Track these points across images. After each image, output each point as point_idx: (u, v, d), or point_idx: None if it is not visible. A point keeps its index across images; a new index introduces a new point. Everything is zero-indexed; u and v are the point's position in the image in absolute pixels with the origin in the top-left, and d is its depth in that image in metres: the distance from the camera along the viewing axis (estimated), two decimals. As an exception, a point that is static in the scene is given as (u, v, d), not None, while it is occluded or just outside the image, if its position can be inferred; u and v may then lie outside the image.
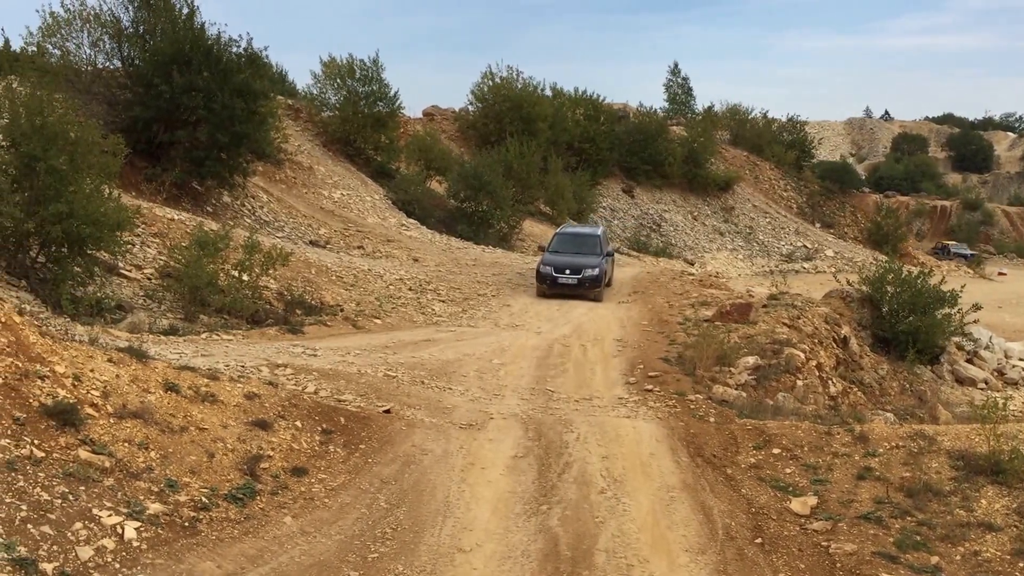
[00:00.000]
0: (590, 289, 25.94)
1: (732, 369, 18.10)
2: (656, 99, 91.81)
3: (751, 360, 18.48)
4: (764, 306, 22.58)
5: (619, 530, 10.56)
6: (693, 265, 44.98)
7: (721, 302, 23.25)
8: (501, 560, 9.80)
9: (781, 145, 67.95)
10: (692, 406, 15.61)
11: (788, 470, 12.41)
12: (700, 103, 71.14)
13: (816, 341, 20.47)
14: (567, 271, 26.08)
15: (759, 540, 10.62)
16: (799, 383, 18.30)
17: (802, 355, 19.08)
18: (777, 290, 25.21)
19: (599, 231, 29.20)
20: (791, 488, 11.91)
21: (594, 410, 15.46)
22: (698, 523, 10.94)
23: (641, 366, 18.44)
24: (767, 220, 60.33)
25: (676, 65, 68.44)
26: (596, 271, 26.18)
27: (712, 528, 10.82)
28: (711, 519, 11.05)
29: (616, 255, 43.66)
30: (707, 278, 30.26)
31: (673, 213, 56.87)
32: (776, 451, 12.89)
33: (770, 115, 71.93)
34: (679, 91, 68.83)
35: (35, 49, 29.35)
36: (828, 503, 11.49)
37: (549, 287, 26.11)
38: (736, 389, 17.16)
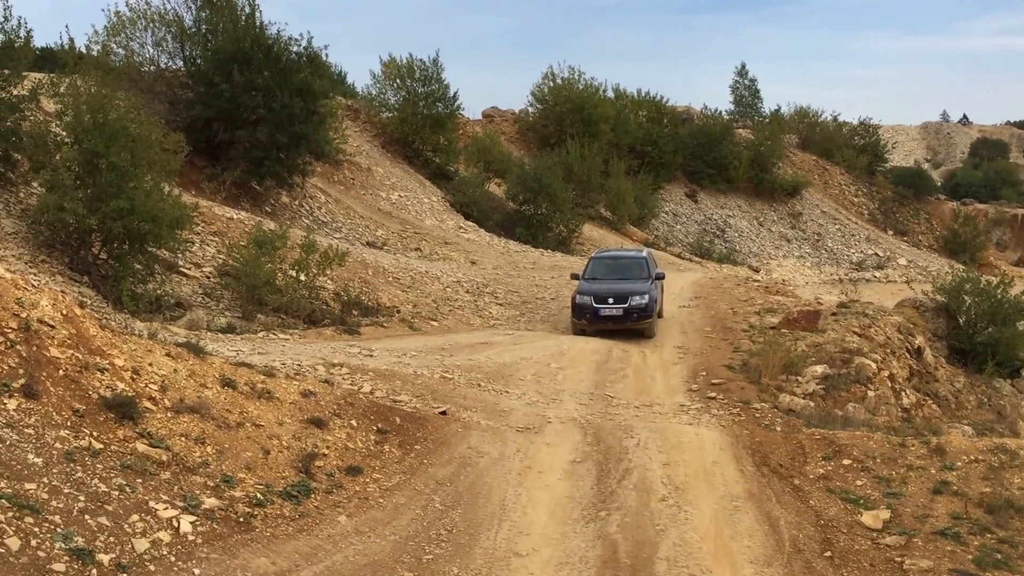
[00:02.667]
0: (639, 321, 21.41)
1: (799, 378, 17.61)
2: (721, 102, 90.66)
3: (819, 369, 17.96)
4: (833, 314, 21.96)
5: (681, 539, 10.23)
6: (758, 272, 44.13)
7: (788, 309, 22.68)
8: (558, 566, 9.54)
9: (852, 149, 66.20)
10: (757, 415, 15.19)
11: (859, 482, 11.95)
12: (767, 106, 69.45)
13: (888, 351, 19.83)
14: (610, 300, 21.49)
15: (828, 553, 10.22)
16: (870, 394, 17.72)
17: (874, 365, 18.49)
18: (847, 298, 24.46)
19: (644, 252, 24.76)
20: (862, 501, 11.46)
21: (655, 416, 15.11)
22: (763, 534, 10.56)
23: (704, 373, 18.03)
24: (836, 227, 59.06)
25: (743, 66, 67.29)
26: (645, 299, 21.47)
27: (778, 539, 10.44)
28: (777, 530, 10.66)
29: (678, 260, 43.09)
30: (773, 285, 29.55)
31: (738, 218, 55.96)
32: (846, 462, 12.42)
33: (841, 118, 70.30)
34: (746, 93, 67.44)
35: (100, 48, 29.72)
36: (902, 517, 11.02)
37: (590, 322, 21.64)
38: (803, 398, 16.67)
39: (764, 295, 26.15)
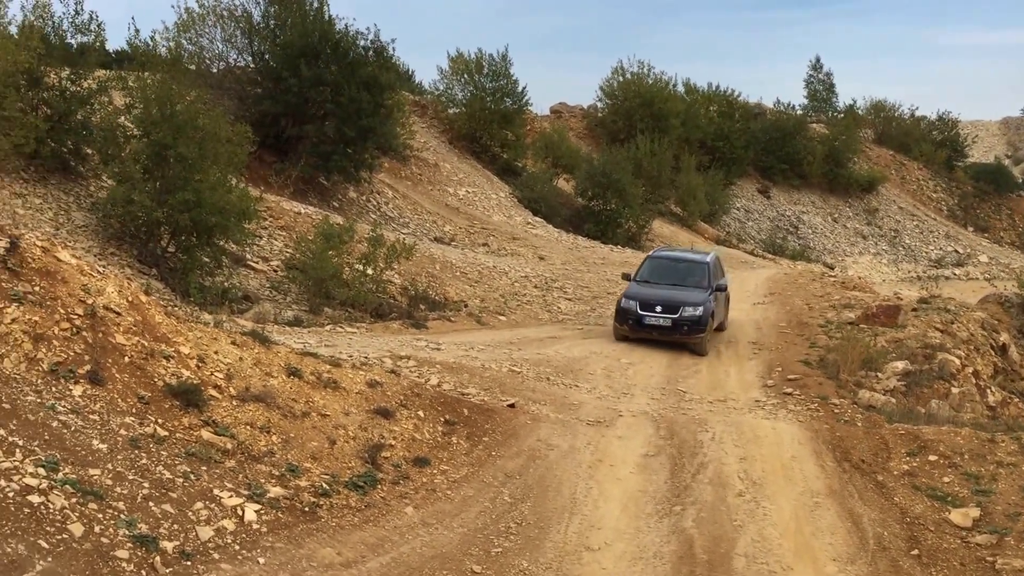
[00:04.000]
0: (689, 335, 18.86)
1: (879, 374, 16.98)
2: (795, 98, 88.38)
3: (900, 365, 17.30)
4: (913, 310, 21.18)
5: (759, 535, 9.81)
6: (833, 269, 43.00)
7: (866, 304, 21.95)
8: (632, 560, 9.19)
9: (930, 144, 64.38)
10: (836, 410, 14.62)
11: (946, 479, 11.36)
12: (842, 100, 67.51)
13: (972, 347, 19.03)
14: (658, 308, 18.93)
15: (915, 552, 9.71)
16: (954, 390, 16.99)
17: (957, 361, 17.74)
18: (928, 294, 23.60)
19: (708, 257, 21.44)
20: (950, 498, 10.88)
21: (729, 411, 14.65)
22: (846, 531, 10.08)
23: (779, 369, 17.50)
24: (914, 223, 57.41)
25: (817, 60, 65.18)
26: (699, 310, 18.90)
27: (862, 537, 9.95)
28: (860, 527, 10.17)
29: (750, 257, 42.19)
30: (850, 281, 28.69)
31: (812, 215, 54.67)
32: (932, 458, 11.83)
33: (918, 112, 68.27)
34: (820, 87, 65.73)
35: (171, 45, 30.07)
36: (992, 515, 10.44)
37: (632, 329, 19.22)
38: (884, 395, 16.06)
39: (840, 290, 25.42)
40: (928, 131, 66.60)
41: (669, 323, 18.88)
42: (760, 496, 10.78)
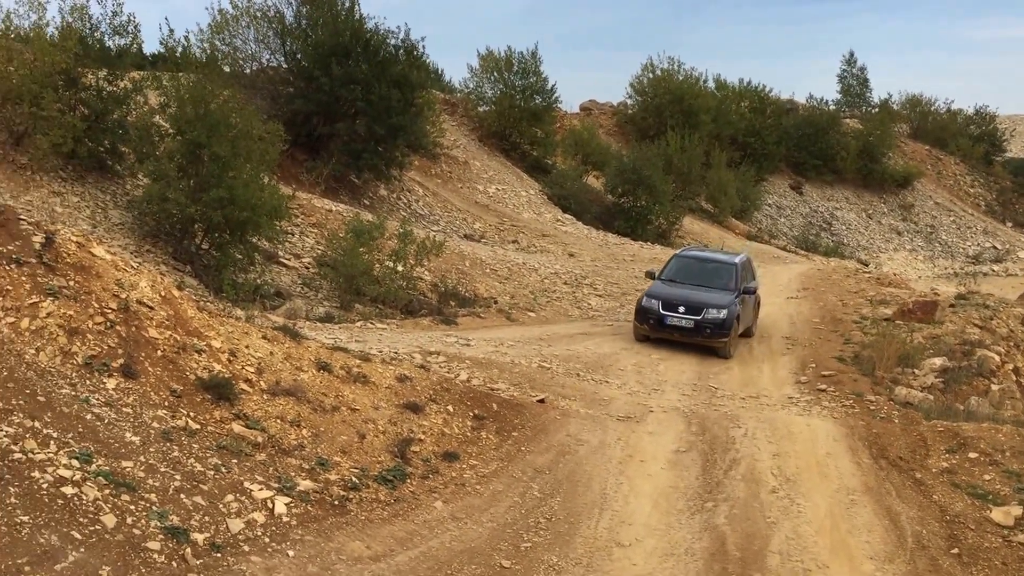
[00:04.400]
0: (712, 338, 18.08)
1: (916, 370, 16.73)
2: (827, 93, 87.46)
3: (938, 361, 17.04)
4: (951, 305, 20.89)
5: (794, 532, 9.67)
6: (867, 266, 42.48)
7: (902, 300, 21.66)
8: (663, 557, 9.08)
9: (967, 138, 63.43)
10: (872, 407, 14.42)
11: (987, 476, 11.15)
12: (877, 95, 66.63)
13: (1012, 344, 18.70)
14: (680, 309, 18.20)
15: (955, 551, 9.52)
16: (994, 387, 16.72)
17: (997, 358, 17.46)
18: (966, 289, 23.20)
19: (738, 259, 20.49)
20: (991, 496, 10.67)
21: (762, 407, 14.50)
22: (883, 529, 9.92)
23: (813, 365, 17.30)
24: (951, 219, 56.59)
25: (851, 54, 64.41)
26: (723, 313, 18.09)
27: (900, 535, 9.78)
28: (898, 525, 10.00)
29: (783, 253, 41.80)
30: (885, 276, 28.33)
31: (845, 211, 54.04)
32: (973, 455, 11.61)
33: (954, 106, 67.24)
34: (854, 82, 64.90)
35: (206, 45, 30.29)
36: (1035, 514, 10.21)
37: (653, 328, 18.52)
38: (921, 391, 15.81)
39: (875, 286, 25.11)
40: (965, 125, 65.58)
41: (691, 324, 18.13)
42: (794, 493, 10.64)
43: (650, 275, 20.48)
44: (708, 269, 19.93)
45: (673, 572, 8.82)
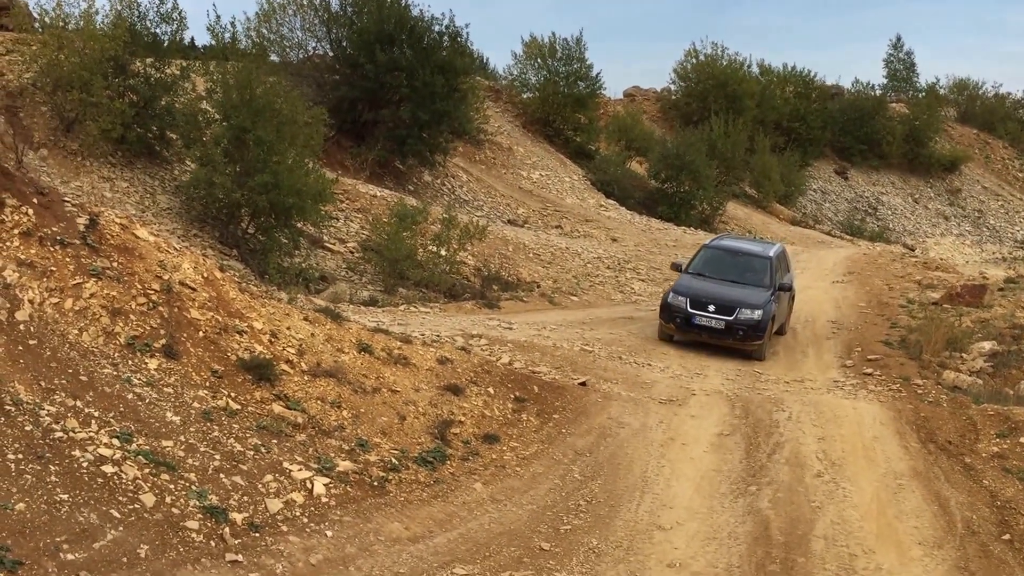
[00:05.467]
0: (745, 340, 16.49)
1: (964, 355, 16.39)
2: (873, 78, 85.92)
3: (987, 345, 16.68)
4: (1000, 289, 20.49)
5: (839, 517, 9.50)
6: (914, 251, 41.81)
7: (950, 284, 21.25)
8: (705, 540, 8.96)
9: (1016, 122, 62.18)
10: (919, 391, 14.15)
11: (1038, 461, 10.88)
12: (923, 79, 65.46)
13: (1063, 327, 18.25)
14: (710, 308, 16.57)
15: (1007, 536, 9.29)
16: (1044, 371, 16.32)
17: (1047, 341, 17.03)
18: (1015, 273, 22.75)
19: (772, 250, 18.68)
20: (1043, 481, 10.41)
21: (807, 391, 14.29)
22: (932, 514, 9.71)
23: (859, 349, 17.03)
24: (999, 203, 55.50)
25: (899, 39, 63.56)
26: (757, 313, 16.47)
27: (949, 521, 9.57)
28: (947, 511, 9.79)
29: (827, 237, 41.23)
30: (932, 261, 27.85)
31: (891, 196, 53.17)
32: None
33: (1002, 90, 65.91)
34: (900, 67, 63.86)
35: (253, 35, 30.49)
36: (1088, 500, 9.94)
37: (679, 329, 16.96)
38: (970, 376, 15.48)
39: (922, 270, 24.68)
40: (1014, 109, 64.33)
41: (722, 326, 16.48)
42: (840, 477, 10.45)
43: (676, 267, 18.67)
44: (740, 263, 18.19)
45: (715, 556, 8.70)
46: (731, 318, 16.45)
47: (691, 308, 16.71)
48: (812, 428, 11.84)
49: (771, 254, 18.31)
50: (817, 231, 42.93)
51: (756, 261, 18.09)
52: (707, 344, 16.76)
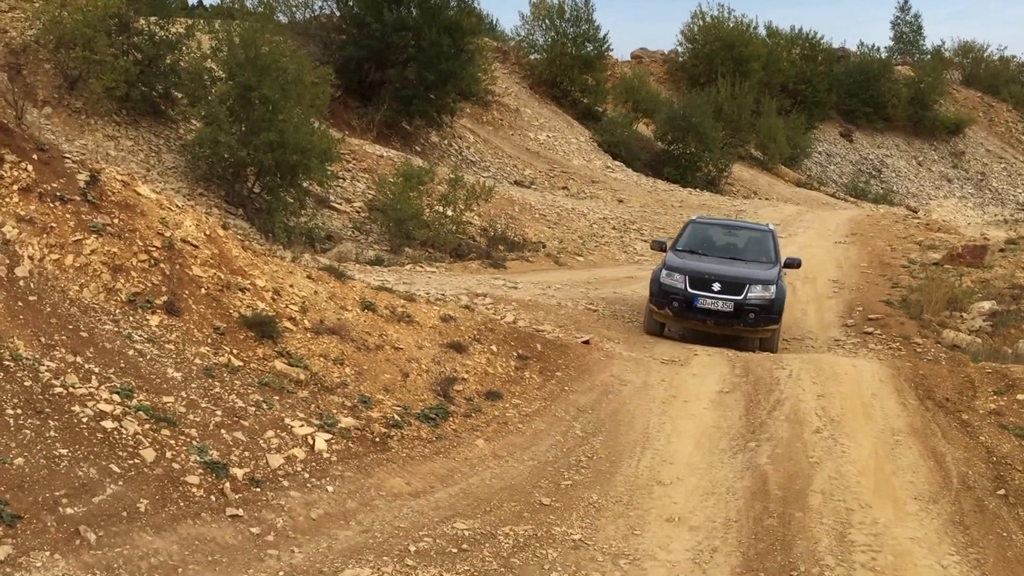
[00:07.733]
0: (756, 325, 14.17)
1: (964, 314, 16.49)
2: (879, 41, 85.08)
3: (987, 305, 16.76)
4: (1000, 250, 20.55)
5: (837, 472, 9.55)
6: (917, 213, 41.76)
7: (951, 245, 21.26)
8: (704, 495, 9.03)
9: (1020, 85, 61.84)
10: (919, 349, 14.24)
11: (1036, 418, 10.92)
12: (930, 42, 65.15)
13: (1062, 287, 18.27)
14: (715, 287, 14.10)
15: (1002, 491, 9.34)
16: (1044, 330, 16.37)
17: (1047, 301, 17.07)
18: (1016, 234, 22.78)
19: (771, 227, 16.73)
20: (1040, 438, 10.45)
21: (807, 350, 14.37)
22: (928, 470, 9.76)
23: (860, 308, 17.08)
24: (1002, 166, 55.32)
25: (905, 1, 62.99)
26: (770, 291, 14.17)
27: (945, 476, 9.62)
28: (944, 466, 9.84)
29: (832, 199, 41.07)
30: (934, 222, 27.84)
31: (895, 158, 53.02)
32: (1021, 397, 11.35)
33: (1007, 53, 65.46)
34: (907, 29, 63.40)
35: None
36: (1085, 456, 9.99)
37: (677, 315, 14.35)
38: (969, 335, 15.57)
39: (924, 232, 24.73)
40: (1018, 72, 63.95)
41: (730, 307, 14.05)
42: (838, 433, 10.51)
43: (659, 246, 15.85)
44: (738, 236, 16.08)
45: (714, 510, 8.77)
46: (740, 297, 14.08)
47: (691, 288, 14.16)
48: (812, 385, 11.89)
49: (771, 228, 16.57)
50: (822, 193, 42.89)
51: (755, 234, 16.08)
52: (707, 335, 14.64)
